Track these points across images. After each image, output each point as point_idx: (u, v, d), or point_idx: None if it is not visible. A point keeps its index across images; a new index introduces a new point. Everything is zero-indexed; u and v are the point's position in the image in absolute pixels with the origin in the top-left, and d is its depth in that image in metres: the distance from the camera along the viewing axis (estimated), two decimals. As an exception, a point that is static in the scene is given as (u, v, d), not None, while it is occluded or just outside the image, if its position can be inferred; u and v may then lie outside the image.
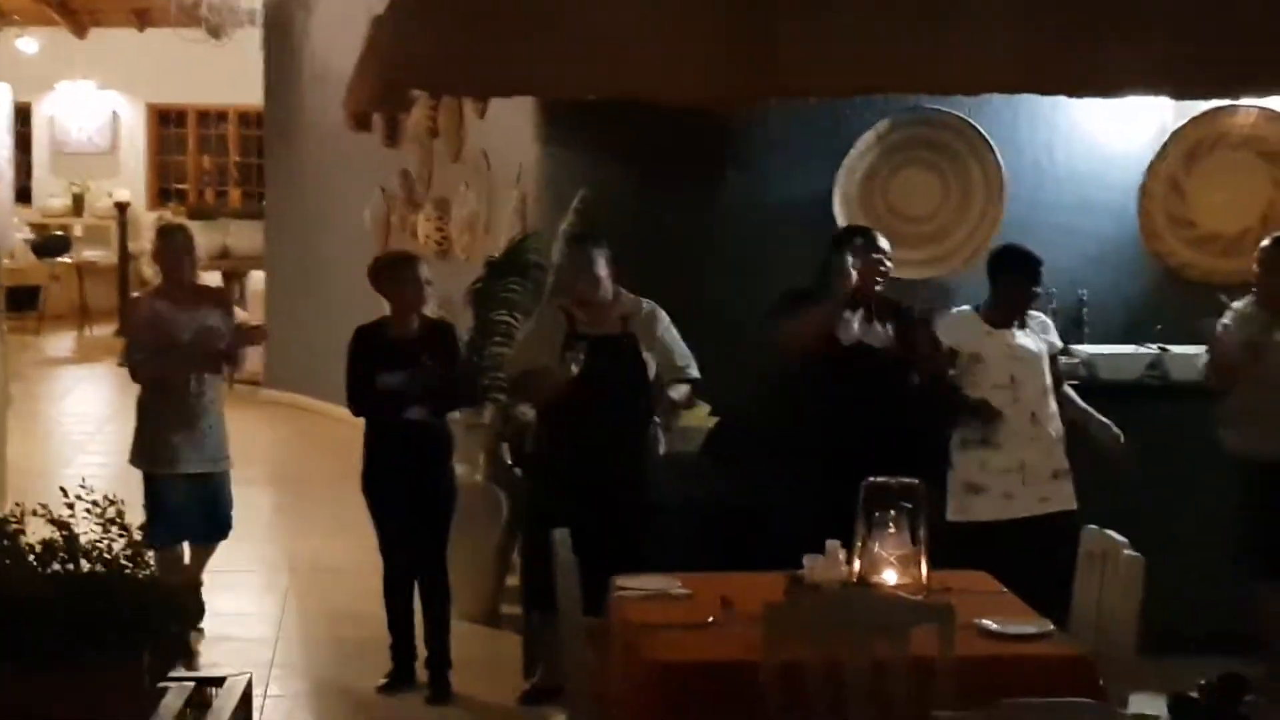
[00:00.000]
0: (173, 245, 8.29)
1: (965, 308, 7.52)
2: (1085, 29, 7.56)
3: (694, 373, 7.24)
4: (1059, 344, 7.58)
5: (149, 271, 7.94)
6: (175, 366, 8.05)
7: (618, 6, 7.62)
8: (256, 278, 17.59)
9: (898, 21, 7.55)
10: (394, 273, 7.63)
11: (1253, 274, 7.51)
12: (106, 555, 3.73)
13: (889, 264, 7.41)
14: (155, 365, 8.08)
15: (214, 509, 8.19)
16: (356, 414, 7.59)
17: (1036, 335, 7.45)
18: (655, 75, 7.55)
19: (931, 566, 5.58)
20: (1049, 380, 7.41)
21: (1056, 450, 7.37)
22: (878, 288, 7.38)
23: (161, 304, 8.20)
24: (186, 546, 8.25)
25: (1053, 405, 7.41)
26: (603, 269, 7.15)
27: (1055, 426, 7.40)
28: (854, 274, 7.22)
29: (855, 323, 7.28)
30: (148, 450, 8.13)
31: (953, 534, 7.25)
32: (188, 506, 8.09)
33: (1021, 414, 7.31)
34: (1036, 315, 7.53)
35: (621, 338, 7.14)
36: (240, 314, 8.40)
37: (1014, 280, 7.36)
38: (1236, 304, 7.43)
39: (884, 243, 7.45)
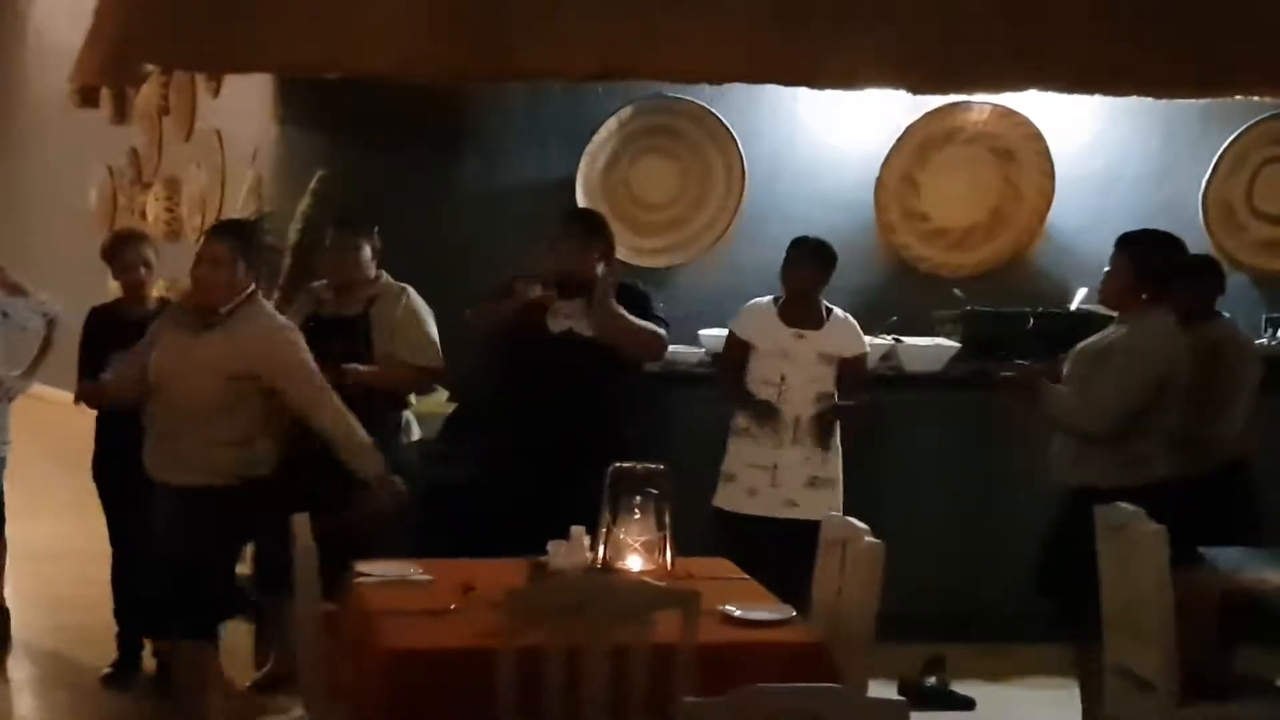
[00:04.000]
0: None
1: (765, 299, 7.44)
2: (825, 22, 7.68)
3: (424, 362, 7.06)
4: (859, 350, 7.38)
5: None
6: None
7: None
8: (-27, 258, 17.03)
9: (636, 8, 7.57)
10: (111, 252, 7.36)
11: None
12: None
13: (592, 249, 7.09)
14: None
15: None
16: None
17: (833, 338, 7.31)
18: (391, 54, 7.49)
19: (686, 549, 5.57)
20: (829, 387, 7.26)
21: (819, 458, 7.25)
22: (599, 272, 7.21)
23: None
24: None
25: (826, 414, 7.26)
26: (358, 253, 7.00)
27: (827, 434, 7.29)
28: (595, 262, 7.14)
29: (570, 311, 7.04)
30: None
31: (716, 518, 7.28)
32: None
33: (785, 415, 7.23)
34: (843, 317, 7.39)
35: (355, 321, 6.99)
36: (42, 301, 7.88)
37: (791, 274, 7.30)
38: None
39: (601, 229, 7.21)
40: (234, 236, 6.27)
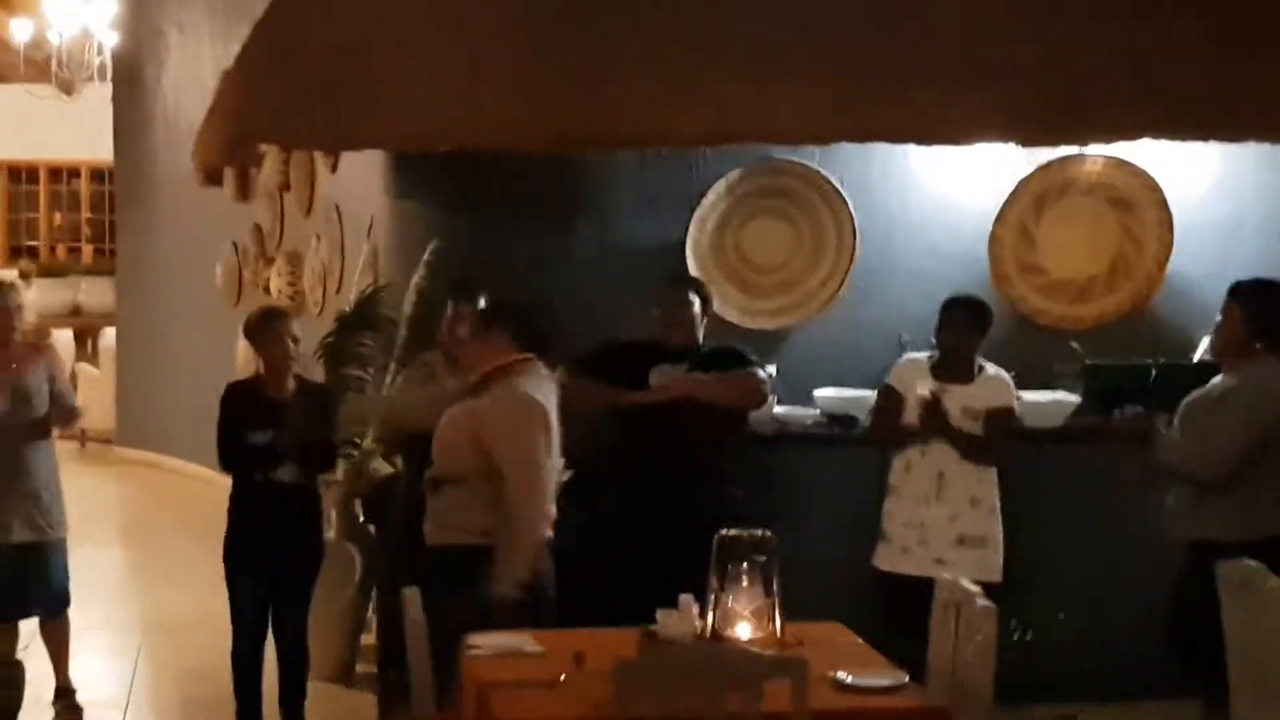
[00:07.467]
0: None
1: (920, 355, 7.49)
2: (932, 79, 7.62)
3: None
4: (1005, 402, 7.38)
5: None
6: None
7: (463, 59, 7.59)
8: (109, 334, 17.43)
9: (742, 72, 7.56)
10: (257, 328, 7.39)
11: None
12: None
13: (696, 313, 7.31)
14: None
15: (48, 580, 7.65)
16: (226, 471, 7.33)
17: (981, 393, 7.31)
18: (501, 127, 7.52)
19: (801, 612, 5.52)
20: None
21: (969, 516, 7.24)
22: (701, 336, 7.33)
23: None
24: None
25: (974, 469, 7.26)
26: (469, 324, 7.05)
27: (973, 491, 7.27)
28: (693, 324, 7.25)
29: (676, 375, 7.19)
30: None
31: (874, 578, 7.30)
32: (15, 578, 7.54)
33: (927, 470, 7.24)
34: (996, 373, 7.40)
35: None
36: (89, 370, 8.03)
37: (943, 332, 7.35)
38: None
39: (701, 294, 7.38)
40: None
